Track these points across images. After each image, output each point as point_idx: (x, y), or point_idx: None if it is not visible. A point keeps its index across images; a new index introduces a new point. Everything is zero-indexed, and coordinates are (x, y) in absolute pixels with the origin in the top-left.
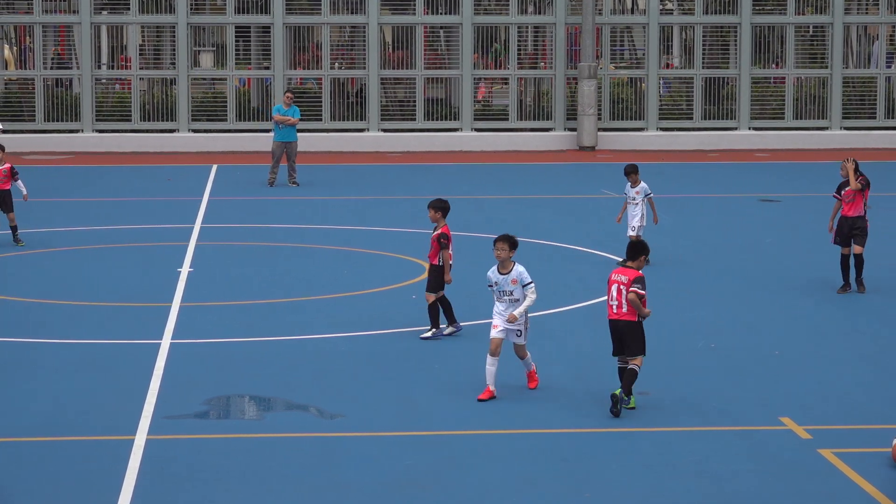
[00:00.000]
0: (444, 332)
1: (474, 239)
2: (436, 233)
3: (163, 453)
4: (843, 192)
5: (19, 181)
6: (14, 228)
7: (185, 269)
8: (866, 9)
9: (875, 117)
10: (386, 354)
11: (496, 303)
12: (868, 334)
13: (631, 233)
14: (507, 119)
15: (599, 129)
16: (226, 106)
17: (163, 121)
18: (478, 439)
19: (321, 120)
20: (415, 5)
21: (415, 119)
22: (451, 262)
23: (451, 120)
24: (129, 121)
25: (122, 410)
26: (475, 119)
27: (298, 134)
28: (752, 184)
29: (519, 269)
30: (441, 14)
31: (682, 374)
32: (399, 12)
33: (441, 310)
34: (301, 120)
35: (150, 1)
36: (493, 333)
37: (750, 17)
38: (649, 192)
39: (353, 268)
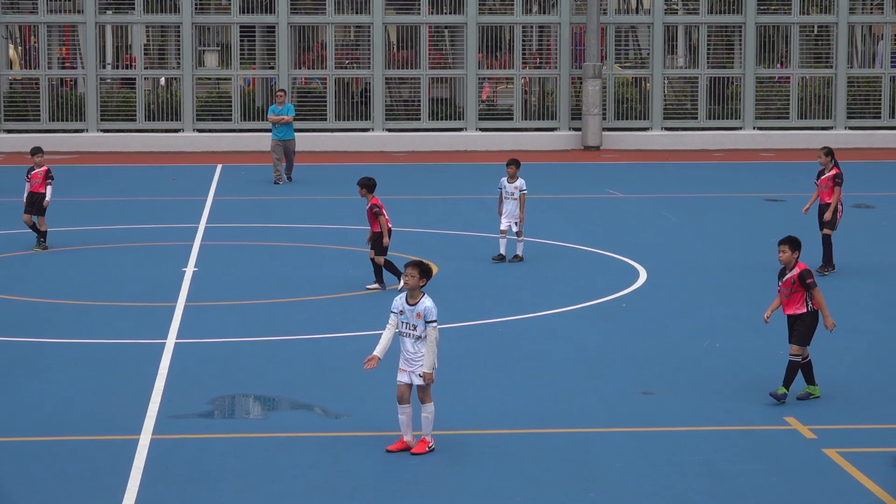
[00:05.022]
0: (368, 287)
1: (478, 238)
2: (367, 206)
3: (168, 453)
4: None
5: (50, 186)
6: (42, 232)
7: (189, 269)
8: (871, 9)
9: (880, 117)
10: (391, 354)
11: (401, 339)
12: (873, 333)
13: (514, 229)
14: (511, 119)
15: (604, 129)
16: (230, 106)
17: (167, 120)
18: (483, 438)
19: (326, 119)
20: (419, 5)
21: (419, 119)
22: (389, 226)
23: (455, 119)
24: (134, 120)
25: (126, 410)
26: (480, 119)
27: (303, 133)
28: (757, 183)
29: (426, 304)
30: (446, 14)
31: (687, 374)
32: (404, 12)
33: (374, 268)
34: (306, 119)
35: (155, 1)
36: (398, 378)
37: (755, 16)
38: (525, 189)
39: (358, 267)
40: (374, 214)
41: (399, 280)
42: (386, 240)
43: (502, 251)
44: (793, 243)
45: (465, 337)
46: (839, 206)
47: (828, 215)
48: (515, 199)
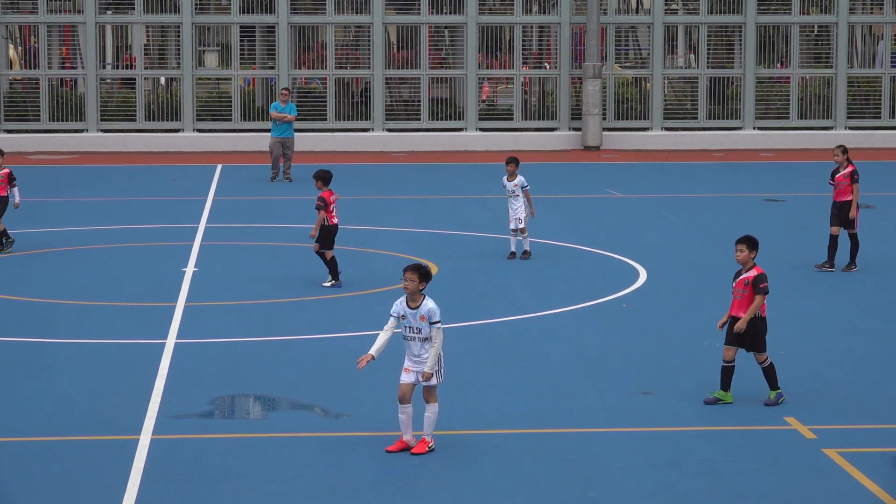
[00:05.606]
0: (324, 284)
1: (477, 238)
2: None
3: (168, 453)
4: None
5: (16, 188)
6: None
7: (189, 269)
8: (871, 9)
9: (880, 117)
10: (391, 354)
11: (407, 343)
12: (873, 333)
13: (519, 225)
14: (511, 119)
15: (604, 129)
16: (230, 106)
17: (167, 120)
18: (483, 439)
19: (325, 119)
20: (419, 5)
21: (419, 119)
22: (335, 222)
23: (455, 120)
24: (134, 120)
25: (126, 410)
26: (480, 119)
27: (304, 133)
28: (757, 183)
29: (429, 306)
30: (446, 14)
31: (687, 374)
32: (404, 12)
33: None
34: (306, 119)
35: (155, 1)
36: (402, 378)
37: (755, 16)
38: (526, 184)
39: (358, 267)
40: (317, 208)
41: (330, 278)
42: (314, 232)
43: (513, 248)
44: (750, 243)
45: (465, 337)
46: (856, 204)
47: (853, 213)
48: (517, 196)
